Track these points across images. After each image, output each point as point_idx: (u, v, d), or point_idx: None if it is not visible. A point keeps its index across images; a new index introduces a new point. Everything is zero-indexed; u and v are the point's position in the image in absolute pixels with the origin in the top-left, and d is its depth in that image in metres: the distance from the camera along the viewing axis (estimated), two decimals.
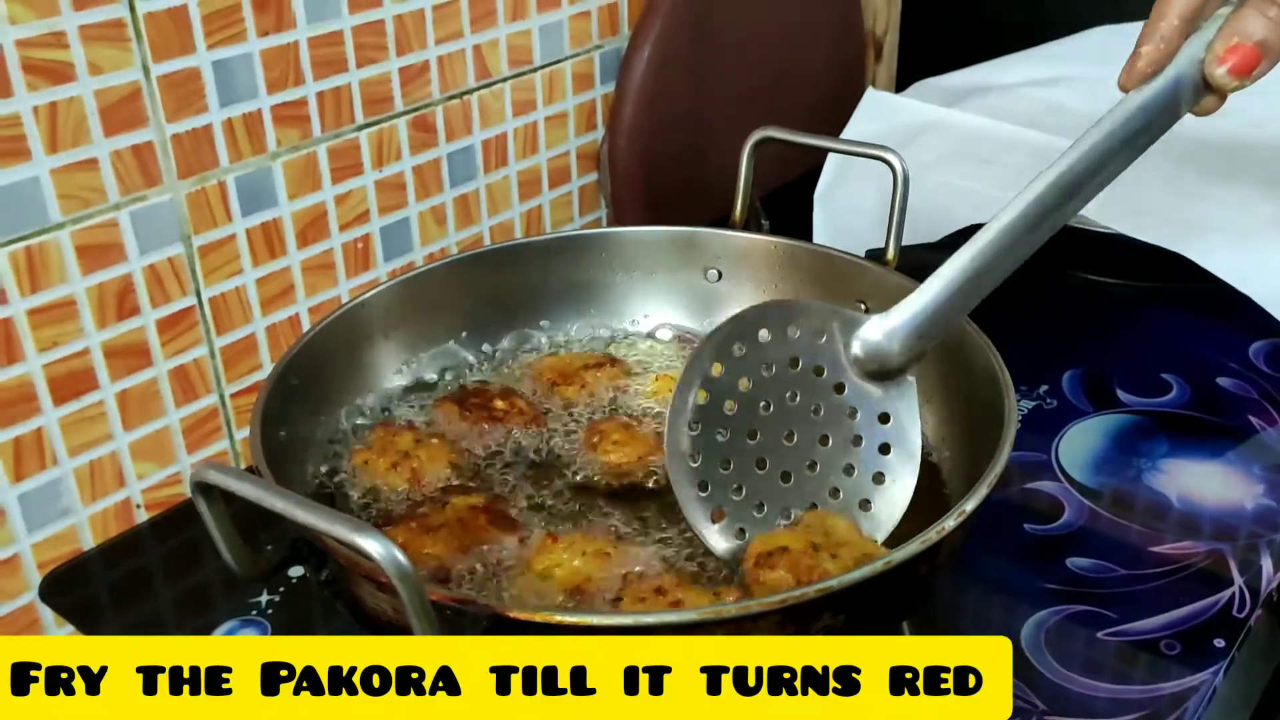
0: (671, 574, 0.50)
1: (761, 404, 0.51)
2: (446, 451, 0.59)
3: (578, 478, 0.58)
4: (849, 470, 0.52)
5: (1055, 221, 0.52)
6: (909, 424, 0.51)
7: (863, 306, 0.64)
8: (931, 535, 0.43)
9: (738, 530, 0.51)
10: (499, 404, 0.62)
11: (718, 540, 0.51)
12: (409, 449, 0.59)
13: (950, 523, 0.43)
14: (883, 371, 0.51)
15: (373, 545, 0.37)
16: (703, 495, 0.51)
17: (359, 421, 0.62)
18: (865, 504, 0.52)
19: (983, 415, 0.53)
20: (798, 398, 0.51)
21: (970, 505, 0.44)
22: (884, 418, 0.51)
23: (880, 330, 0.51)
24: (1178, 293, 0.90)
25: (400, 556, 0.37)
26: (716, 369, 0.51)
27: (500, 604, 0.41)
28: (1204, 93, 0.50)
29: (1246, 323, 0.81)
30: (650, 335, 0.70)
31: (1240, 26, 0.48)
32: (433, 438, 0.60)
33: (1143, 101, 0.50)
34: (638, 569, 0.50)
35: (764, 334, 0.51)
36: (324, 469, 0.59)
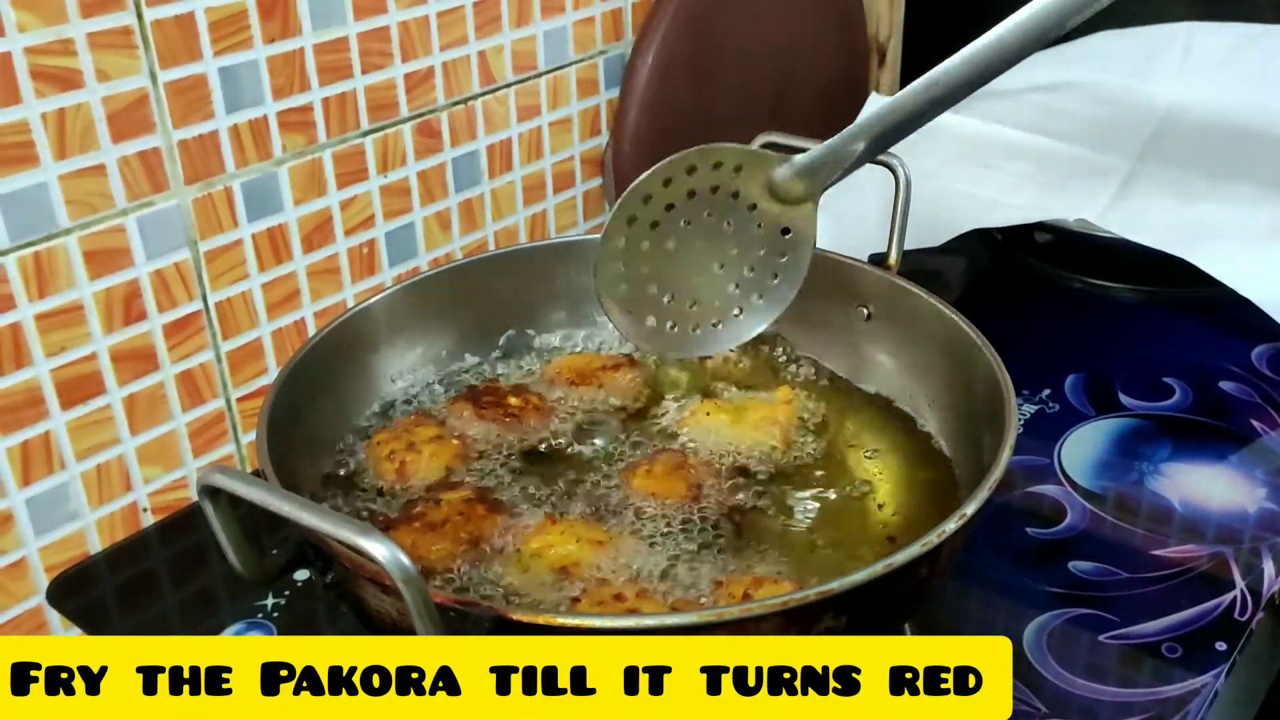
0: (634, 583, 0.50)
1: (683, 220, 0.57)
2: (451, 453, 0.59)
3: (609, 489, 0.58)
4: (750, 269, 0.58)
5: (991, 76, 0.54)
6: (806, 237, 0.58)
7: (865, 311, 0.65)
8: (932, 538, 0.43)
9: (649, 318, 0.58)
10: (513, 400, 0.62)
11: (629, 326, 0.58)
12: (419, 442, 0.59)
13: (951, 525, 0.44)
14: (790, 199, 0.57)
15: (377, 548, 0.37)
16: (624, 288, 0.57)
17: (364, 424, 0.63)
18: (759, 296, 0.59)
19: (984, 418, 0.53)
20: (713, 215, 0.58)
21: (971, 508, 0.44)
22: (785, 230, 0.58)
23: (791, 169, 0.57)
24: (1180, 297, 0.90)
25: (404, 559, 0.37)
26: (649, 196, 0.57)
27: (503, 606, 0.41)
28: None
29: (1249, 327, 0.82)
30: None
31: None
32: (453, 437, 0.60)
33: None
34: (623, 562, 0.51)
35: (692, 170, 0.58)
36: (329, 473, 0.59)
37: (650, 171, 0.56)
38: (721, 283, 0.59)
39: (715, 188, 0.57)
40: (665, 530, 0.54)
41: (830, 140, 0.56)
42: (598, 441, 0.62)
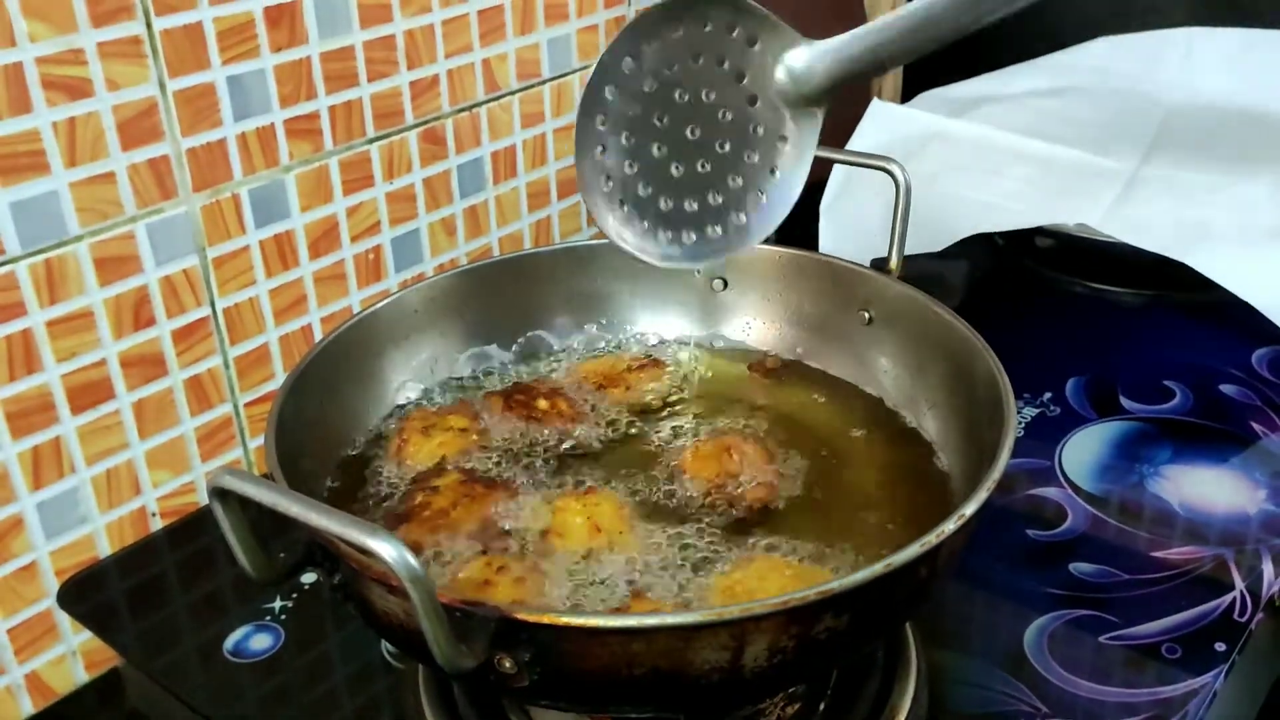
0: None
1: (678, 91, 0.52)
2: (460, 445, 0.60)
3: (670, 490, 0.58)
4: (734, 179, 0.53)
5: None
6: (803, 153, 0.52)
7: (866, 315, 0.65)
8: (931, 539, 0.44)
9: (632, 215, 0.54)
10: (542, 403, 0.63)
11: (613, 225, 0.54)
12: (437, 428, 0.60)
13: (950, 526, 0.44)
14: (797, 98, 0.52)
15: (385, 548, 0.38)
16: (601, 158, 0.53)
17: (370, 427, 0.63)
18: (739, 215, 0.54)
19: (984, 421, 0.53)
20: (712, 95, 0.52)
21: (970, 509, 0.45)
22: (783, 139, 0.52)
23: (806, 56, 0.52)
24: (1180, 301, 0.90)
25: (411, 559, 0.38)
26: (651, 43, 0.52)
27: (507, 607, 0.42)
28: None
29: (1249, 330, 0.82)
30: (657, 344, 0.71)
31: None
32: (476, 432, 0.61)
33: None
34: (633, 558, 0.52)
35: (707, 23, 0.52)
36: (335, 477, 0.60)
37: (650, 11, 0.50)
38: (712, 181, 0.53)
39: (722, 60, 0.51)
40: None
41: (855, 32, 0.51)
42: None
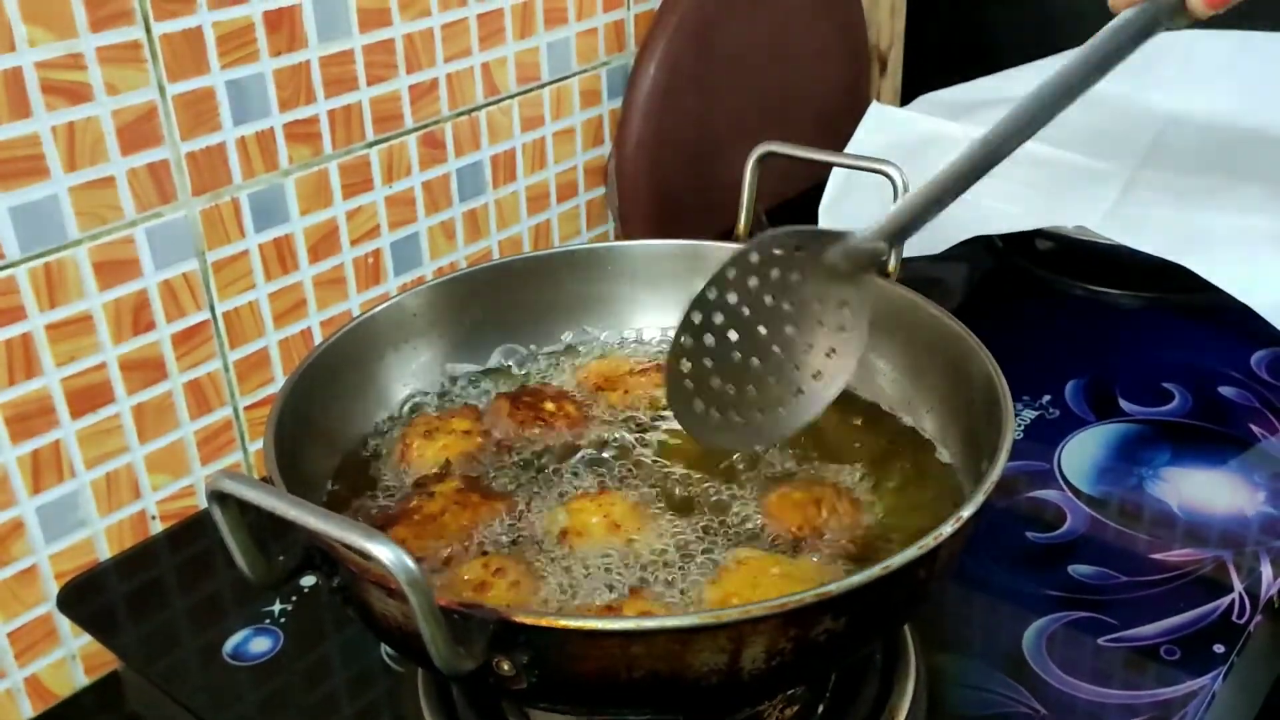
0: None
1: (746, 309, 0.55)
2: (464, 447, 0.60)
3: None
4: (809, 346, 0.56)
5: (1025, 138, 0.53)
6: (863, 306, 0.55)
7: None
8: (929, 541, 0.44)
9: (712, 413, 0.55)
10: (549, 406, 0.63)
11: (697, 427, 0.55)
12: (441, 431, 0.60)
13: (948, 528, 0.44)
14: (847, 272, 0.55)
15: (383, 551, 0.38)
16: (689, 386, 0.55)
17: (368, 430, 0.63)
18: (817, 375, 0.56)
19: (983, 423, 0.54)
20: (774, 300, 0.56)
21: (967, 511, 0.45)
22: (843, 303, 0.55)
23: (845, 245, 0.55)
24: (1179, 303, 0.90)
25: (409, 562, 0.38)
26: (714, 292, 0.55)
27: (505, 609, 0.42)
28: (1180, 15, 0.51)
29: (1248, 332, 0.82)
30: (658, 347, 0.71)
31: None
32: (479, 434, 0.61)
33: (1126, 20, 0.51)
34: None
35: (754, 261, 0.56)
36: (334, 481, 0.60)
37: (720, 270, 0.55)
38: (781, 364, 0.56)
39: (775, 271, 0.55)
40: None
41: (894, 209, 0.54)
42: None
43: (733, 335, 0.56)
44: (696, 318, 0.55)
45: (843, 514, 0.56)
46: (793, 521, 0.55)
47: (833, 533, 0.55)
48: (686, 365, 0.55)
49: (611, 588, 0.51)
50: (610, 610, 0.49)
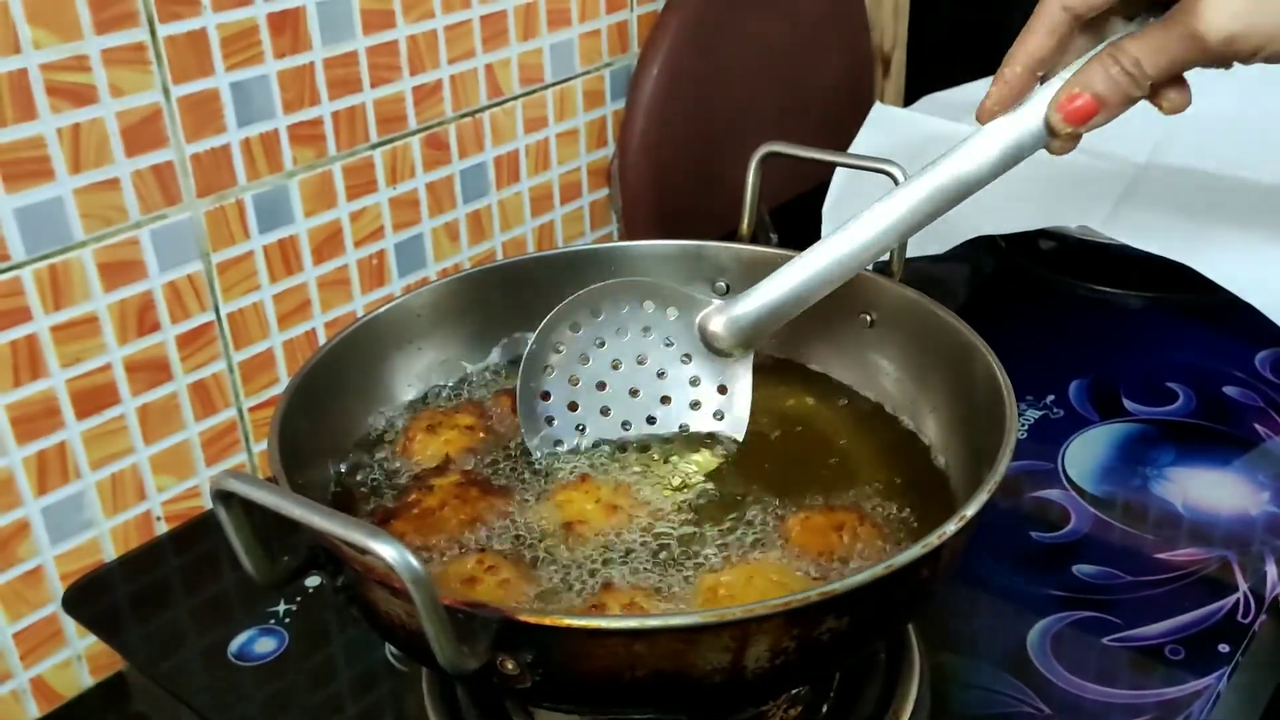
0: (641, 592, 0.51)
1: (612, 361, 0.57)
2: (466, 442, 0.60)
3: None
4: (683, 429, 0.57)
5: (892, 244, 0.56)
6: (741, 395, 0.56)
7: (868, 318, 0.65)
8: (932, 540, 0.44)
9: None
10: None
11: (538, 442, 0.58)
12: (443, 426, 0.61)
13: (951, 527, 0.44)
14: (725, 349, 0.56)
15: (387, 550, 0.38)
16: (549, 429, 0.58)
17: (372, 431, 0.63)
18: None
19: (986, 423, 0.53)
20: (647, 361, 0.57)
21: (970, 510, 0.45)
22: (722, 388, 0.56)
23: (721, 320, 0.56)
24: (1183, 303, 0.90)
25: (414, 561, 0.38)
26: (570, 331, 0.58)
27: (509, 608, 0.42)
28: (1048, 136, 0.53)
29: (1252, 332, 0.82)
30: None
31: (1084, 78, 0.52)
32: (482, 429, 0.61)
33: (991, 137, 0.54)
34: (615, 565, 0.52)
35: (622, 305, 0.58)
36: (338, 481, 0.60)
37: (574, 297, 0.57)
38: (657, 428, 0.58)
39: (648, 329, 0.57)
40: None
41: (766, 285, 0.56)
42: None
43: (600, 385, 0.56)
44: (557, 344, 0.57)
45: (865, 540, 0.54)
46: (815, 548, 0.53)
47: (856, 563, 0.53)
48: (545, 398, 0.57)
49: (607, 584, 0.51)
50: (596, 608, 0.49)
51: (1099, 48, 0.52)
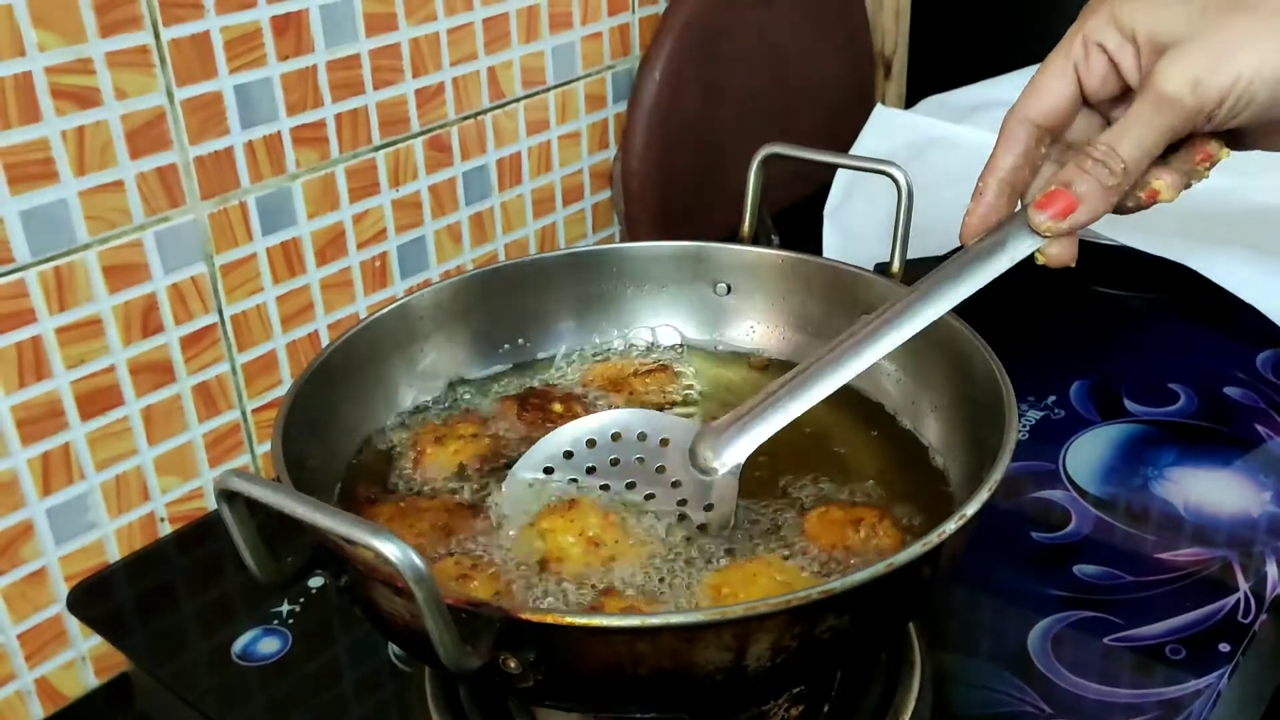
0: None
1: (600, 485, 0.56)
2: (475, 450, 0.61)
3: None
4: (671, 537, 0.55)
5: (872, 360, 0.54)
6: (726, 517, 0.55)
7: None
8: (932, 538, 0.44)
9: None
10: (557, 408, 0.63)
11: None
12: (450, 437, 0.61)
13: (951, 526, 0.44)
14: (711, 470, 0.55)
15: (390, 548, 0.38)
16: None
17: (373, 431, 0.64)
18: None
19: (987, 424, 0.54)
20: (636, 486, 0.56)
21: (970, 509, 0.45)
22: (708, 507, 0.55)
23: (707, 445, 0.55)
24: (1184, 304, 0.90)
25: (417, 560, 0.38)
26: (565, 454, 0.57)
27: (512, 607, 0.42)
28: (1037, 240, 0.53)
29: (1253, 333, 0.82)
30: (661, 348, 0.71)
31: (1062, 175, 0.52)
32: (488, 436, 0.62)
33: (976, 253, 0.54)
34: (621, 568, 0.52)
35: (619, 435, 0.58)
36: (341, 482, 0.60)
37: (573, 424, 0.57)
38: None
39: (640, 459, 0.57)
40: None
41: (754, 407, 0.54)
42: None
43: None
44: (546, 467, 0.56)
45: (883, 536, 0.54)
46: (829, 541, 0.53)
47: (873, 553, 0.53)
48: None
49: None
50: (593, 609, 0.49)
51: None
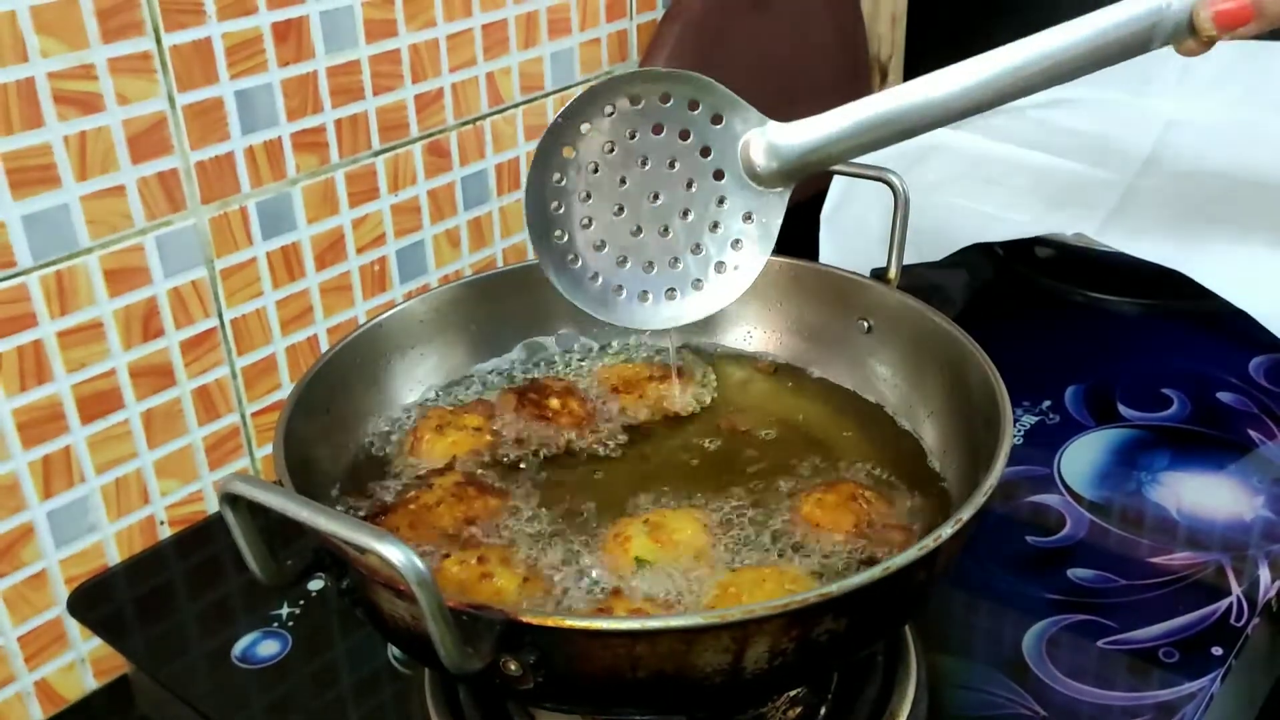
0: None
1: (640, 158, 0.52)
2: (473, 443, 0.61)
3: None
4: (696, 249, 0.53)
5: (986, 105, 0.51)
6: (768, 229, 0.52)
7: (866, 324, 0.66)
8: (929, 542, 0.44)
9: (614, 287, 0.54)
10: (553, 403, 0.64)
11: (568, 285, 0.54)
12: (451, 426, 0.61)
13: (947, 530, 0.45)
14: (764, 177, 0.52)
15: (393, 552, 0.38)
16: (560, 242, 0.54)
17: (373, 434, 0.64)
18: (698, 283, 0.54)
19: (982, 429, 0.54)
20: (676, 165, 0.52)
21: (966, 513, 0.45)
22: (747, 216, 0.52)
23: (773, 138, 0.52)
24: (1178, 309, 0.91)
25: (419, 563, 0.38)
26: (608, 111, 0.53)
27: (513, 610, 0.42)
28: (1186, 34, 0.50)
29: (1246, 338, 0.83)
30: (657, 350, 0.71)
31: None
32: (490, 431, 0.62)
33: (1121, 18, 0.50)
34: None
35: (669, 98, 0.53)
36: (342, 485, 0.60)
37: (613, 80, 0.51)
38: (673, 248, 0.53)
39: (685, 132, 0.52)
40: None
41: (829, 117, 0.51)
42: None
43: (620, 184, 0.51)
44: (565, 149, 0.51)
45: (877, 502, 0.55)
46: (847, 524, 0.53)
47: (884, 520, 0.53)
48: (555, 209, 0.51)
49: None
50: (601, 610, 0.50)
51: None
